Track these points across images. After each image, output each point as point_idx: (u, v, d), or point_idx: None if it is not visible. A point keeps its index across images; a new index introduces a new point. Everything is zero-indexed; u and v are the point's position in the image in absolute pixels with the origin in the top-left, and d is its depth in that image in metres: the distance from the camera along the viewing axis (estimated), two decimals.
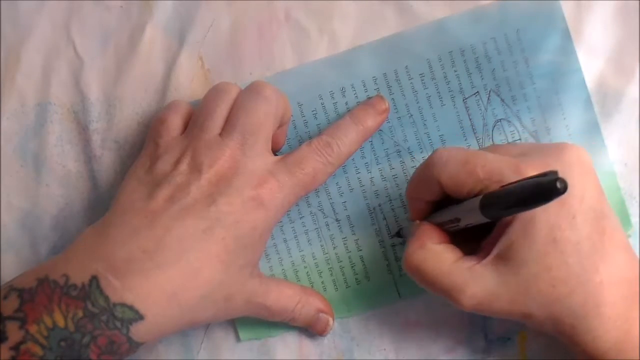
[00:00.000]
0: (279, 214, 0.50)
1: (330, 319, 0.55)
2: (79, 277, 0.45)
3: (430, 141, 0.55)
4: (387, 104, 0.54)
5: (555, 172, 0.40)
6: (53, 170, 0.57)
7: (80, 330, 0.44)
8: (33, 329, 0.44)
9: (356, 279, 0.56)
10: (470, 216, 0.45)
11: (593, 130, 0.54)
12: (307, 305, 0.54)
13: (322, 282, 0.56)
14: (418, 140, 0.55)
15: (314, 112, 0.55)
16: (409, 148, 0.55)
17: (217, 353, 0.56)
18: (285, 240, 0.56)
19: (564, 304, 0.45)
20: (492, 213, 0.43)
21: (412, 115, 0.55)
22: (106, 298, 0.45)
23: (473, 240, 0.48)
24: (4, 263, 0.57)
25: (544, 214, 0.44)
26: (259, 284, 0.51)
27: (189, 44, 0.56)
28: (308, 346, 0.56)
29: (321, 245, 0.56)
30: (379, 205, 0.56)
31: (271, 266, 0.56)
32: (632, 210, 0.54)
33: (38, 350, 0.44)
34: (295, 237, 0.56)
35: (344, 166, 0.55)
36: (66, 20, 0.57)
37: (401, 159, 0.55)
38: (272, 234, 0.56)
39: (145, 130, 0.56)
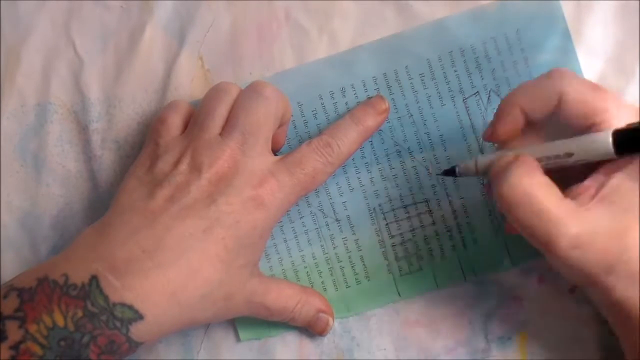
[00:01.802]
0: (279, 213, 0.50)
1: (330, 319, 0.55)
2: (79, 276, 0.45)
3: (430, 141, 0.55)
4: (387, 104, 0.54)
5: None
6: (53, 170, 0.57)
7: (80, 329, 0.44)
8: (33, 328, 0.44)
9: (356, 279, 0.56)
10: (592, 152, 0.42)
11: None
12: (307, 305, 0.54)
13: (322, 282, 0.56)
14: (418, 140, 0.55)
15: (314, 112, 0.55)
16: (409, 148, 0.55)
17: (217, 353, 0.56)
18: (285, 240, 0.56)
19: None
20: (629, 150, 0.41)
21: (412, 115, 0.55)
22: (106, 298, 0.45)
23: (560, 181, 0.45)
24: (4, 263, 0.57)
25: None
26: (258, 283, 0.51)
27: (189, 44, 0.56)
28: (308, 346, 0.56)
29: (321, 245, 0.56)
30: (379, 205, 0.56)
31: (271, 266, 0.56)
32: None
33: (38, 350, 0.44)
34: (295, 237, 0.56)
35: (344, 166, 0.55)
36: (66, 20, 0.57)
37: (401, 159, 0.55)
38: (272, 234, 0.56)
39: (145, 130, 0.56)
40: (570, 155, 0.44)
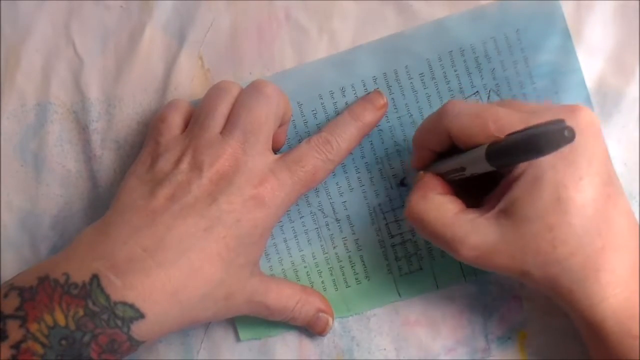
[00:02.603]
0: (279, 212, 0.50)
1: (330, 319, 0.55)
2: (80, 275, 0.45)
3: None
4: (385, 99, 0.54)
5: (562, 121, 0.40)
6: (53, 170, 0.57)
7: (81, 328, 0.44)
8: (34, 327, 0.44)
9: (356, 278, 0.56)
10: (476, 165, 0.45)
11: None
12: (307, 304, 0.54)
13: (322, 282, 0.56)
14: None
15: (314, 111, 0.55)
16: (409, 148, 0.55)
17: (217, 353, 0.56)
18: (285, 240, 0.56)
19: (563, 266, 0.45)
20: (498, 161, 0.43)
21: (412, 115, 0.55)
22: (107, 297, 0.45)
23: (475, 194, 0.49)
24: (4, 263, 0.57)
25: (551, 172, 0.44)
26: (259, 282, 0.52)
27: (189, 44, 0.56)
28: (308, 346, 0.56)
29: (321, 245, 0.56)
30: (379, 205, 0.56)
31: (271, 266, 0.56)
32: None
33: (39, 349, 0.44)
34: (295, 237, 0.56)
35: (344, 165, 0.55)
36: (66, 20, 0.57)
37: (401, 159, 0.55)
38: (272, 233, 0.56)
39: (145, 130, 0.56)
40: (463, 169, 0.46)
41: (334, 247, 0.56)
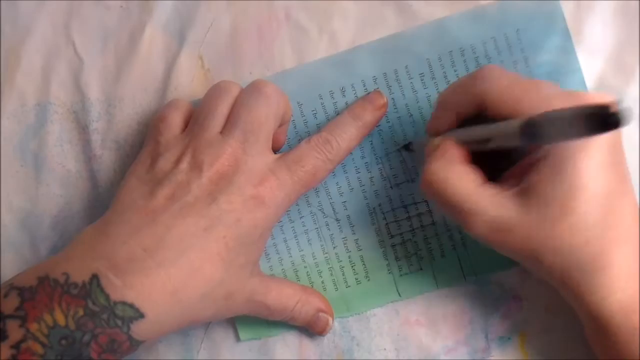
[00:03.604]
0: (279, 212, 0.50)
1: (330, 319, 0.55)
2: (80, 275, 0.45)
3: None
4: (385, 99, 0.54)
5: (607, 106, 0.38)
6: (53, 170, 0.57)
7: (81, 328, 0.44)
8: (33, 327, 0.44)
9: (356, 278, 0.56)
10: (506, 138, 0.44)
11: None
12: (307, 304, 0.54)
13: (322, 282, 0.56)
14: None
15: (314, 111, 0.55)
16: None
17: (217, 353, 0.56)
18: (285, 240, 0.56)
19: (577, 256, 0.45)
20: (533, 138, 0.42)
21: (412, 115, 0.55)
22: (107, 296, 0.45)
23: (491, 166, 0.48)
24: (4, 263, 0.57)
25: (577, 159, 0.44)
26: (259, 282, 0.52)
27: (189, 44, 0.56)
28: (308, 346, 0.56)
29: (321, 245, 0.56)
30: (379, 205, 0.56)
31: (271, 266, 0.56)
32: None
33: (39, 349, 0.44)
34: (295, 237, 0.56)
35: (344, 165, 0.55)
36: (66, 20, 0.57)
37: (401, 159, 0.55)
38: (272, 233, 0.56)
39: (145, 130, 0.56)
40: (487, 140, 0.46)
41: (334, 247, 0.56)
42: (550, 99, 0.44)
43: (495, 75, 0.47)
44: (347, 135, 0.52)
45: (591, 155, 0.44)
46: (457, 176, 0.47)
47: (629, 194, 0.46)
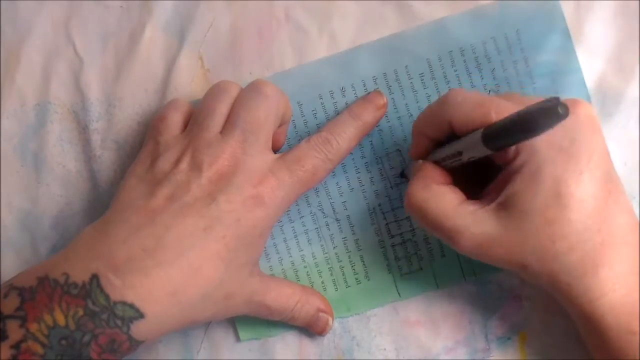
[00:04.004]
0: (279, 211, 0.50)
1: (330, 319, 0.55)
2: (80, 275, 0.45)
3: None
4: (385, 99, 0.54)
5: (557, 99, 0.40)
6: (53, 170, 0.57)
7: (80, 328, 0.44)
8: (33, 327, 0.44)
9: (356, 278, 0.56)
10: (473, 149, 0.45)
11: None
12: (306, 304, 0.54)
13: (322, 282, 0.56)
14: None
15: (314, 111, 0.55)
16: (408, 148, 0.55)
17: (217, 353, 0.56)
18: (285, 240, 0.56)
19: (562, 261, 0.45)
20: (494, 143, 0.43)
21: (412, 115, 0.55)
22: (107, 296, 0.45)
23: (473, 184, 0.49)
24: (4, 263, 0.57)
25: (551, 166, 0.44)
26: (259, 282, 0.52)
27: (189, 44, 0.56)
28: (308, 346, 0.56)
29: (321, 245, 0.56)
30: (379, 205, 0.56)
31: (271, 266, 0.56)
32: None
33: (39, 349, 0.44)
34: (295, 237, 0.56)
35: (344, 165, 0.55)
36: (66, 20, 0.57)
37: (401, 159, 0.55)
38: (272, 233, 0.56)
39: (145, 130, 0.56)
40: (460, 153, 0.46)
41: (334, 247, 0.56)
42: (506, 108, 0.45)
43: (458, 100, 0.47)
44: (347, 135, 0.52)
45: (567, 160, 0.44)
46: (435, 197, 0.48)
47: (619, 194, 0.46)
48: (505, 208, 0.45)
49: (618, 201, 0.46)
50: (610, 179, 0.46)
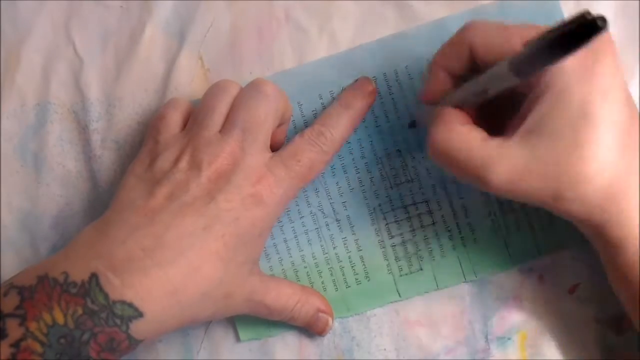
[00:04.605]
0: (278, 209, 0.51)
1: (330, 319, 0.55)
2: (79, 274, 0.45)
3: None
4: (373, 85, 0.54)
5: (588, 12, 0.37)
6: (53, 170, 0.57)
7: (80, 327, 0.44)
8: (33, 326, 0.44)
9: (356, 279, 0.56)
10: (500, 80, 0.43)
11: None
12: (306, 304, 0.54)
13: (322, 282, 0.56)
14: (418, 140, 0.55)
15: (314, 112, 0.55)
16: (408, 148, 0.55)
17: (217, 353, 0.56)
18: (285, 240, 0.56)
19: (596, 185, 0.44)
20: (526, 69, 0.41)
21: (412, 115, 0.55)
22: (106, 295, 0.45)
23: (495, 122, 0.47)
24: (4, 263, 0.57)
25: (577, 86, 0.43)
26: (258, 282, 0.52)
27: (189, 44, 0.56)
28: (308, 346, 0.56)
29: (321, 245, 0.56)
30: (379, 205, 0.56)
31: (271, 266, 0.56)
32: None
33: (38, 348, 0.44)
34: (295, 237, 0.56)
35: (344, 165, 0.55)
36: (66, 20, 0.57)
37: (401, 159, 0.55)
38: (272, 233, 0.56)
39: (145, 130, 0.56)
40: (485, 91, 0.45)
41: (334, 247, 0.56)
42: (529, 32, 0.43)
43: (479, 26, 0.46)
44: (340, 125, 0.52)
45: (592, 79, 0.43)
46: (459, 136, 0.46)
47: (637, 117, 0.45)
48: (534, 133, 0.44)
49: (637, 123, 0.45)
50: (630, 101, 0.45)
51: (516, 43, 0.44)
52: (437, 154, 0.47)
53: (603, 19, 0.36)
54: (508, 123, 0.47)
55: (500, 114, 0.48)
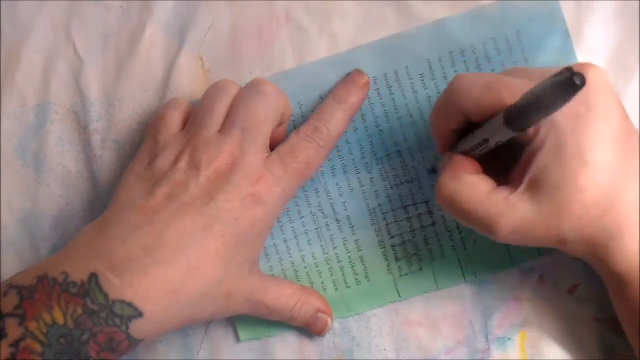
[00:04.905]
0: (278, 208, 0.51)
1: (329, 319, 0.55)
2: (78, 274, 0.45)
3: (430, 141, 0.55)
4: (366, 78, 0.54)
5: (570, 68, 0.39)
6: (53, 170, 0.57)
7: (79, 327, 0.44)
8: (32, 325, 0.44)
9: (356, 279, 0.56)
10: (498, 133, 0.44)
11: None
12: (306, 304, 0.54)
13: (322, 282, 0.56)
14: (418, 140, 0.55)
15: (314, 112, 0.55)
16: (408, 148, 0.55)
17: (217, 353, 0.56)
18: (285, 240, 0.56)
19: (597, 226, 0.45)
20: (518, 124, 0.42)
21: (412, 116, 0.55)
22: (105, 295, 0.45)
23: (504, 169, 0.48)
24: (4, 263, 0.57)
25: (573, 136, 0.44)
26: (258, 281, 0.52)
27: (189, 44, 0.56)
28: (308, 346, 0.56)
29: (321, 245, 0.56)
30: (379, 205, 0.56)
31: (271, 266, 0.56)
32: None
33: (37, 347, 0.44)
34: (295, 237, 0.56)
35: (343, 166, 0.55)
36: (66, 20, 0.57)
37: (401, 159, 0.55)
38: (272, 234, 0.56)
39: (145, 130, 0.56)
40: (487, 140, 0.46)
41: (334, 247, 0.56)
42: (517, 87, 0.44)
43: (465, 86, 0.47)
44: (335, 119, 0.52)
45: (586, 127, 0.44)
46: (466, 186, 0.47)
47: (635, 152, 0.46)
48: (536, 187, 0.45)
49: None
50: (631, 135, 0.46)
51: (504, 97, 0.45)
52: (445, 203, 0.48)
53: (580, 76, 0.37)
54: (512, 172, 0.48)
55: (509, 160, 0.48)
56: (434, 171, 0.56)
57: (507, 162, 0.48)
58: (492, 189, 0.47)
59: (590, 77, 0.44)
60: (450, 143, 0.51)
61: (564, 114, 0.42)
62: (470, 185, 0.47)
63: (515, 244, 0.47)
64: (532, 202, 0.45)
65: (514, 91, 0.44)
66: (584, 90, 0.39)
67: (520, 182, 0.46)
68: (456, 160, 0.49)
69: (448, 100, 0.48)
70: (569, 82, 0.37)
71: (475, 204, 0.46)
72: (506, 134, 0.44)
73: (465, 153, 0.49)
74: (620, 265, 0.46)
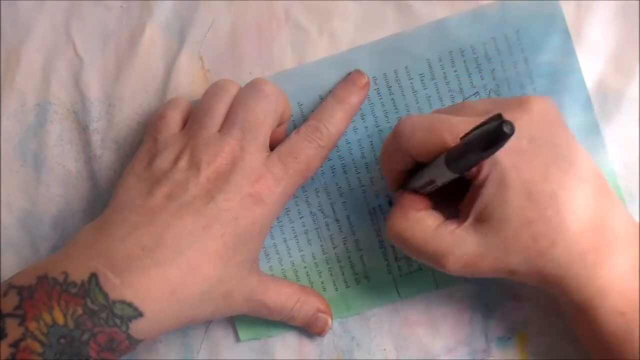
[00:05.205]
0: (278, 208, 0.51)
1: (329, 319, 0.55)
2: (78, 274, 0.45)
3: None
4: (367, 78, 0.54)
5: (500, 117, 0.40)
6: (53, 170, 0.57)
7: (79, 327, 0.44)
8: (32, 326, 0.44)
9: (356, 279, 0.56)
10: (442, 175, 0.45)
11: (593, 130, 0.54)
12: (306, 304, 0.54)
13: (322, 282, 0.56)
14: None
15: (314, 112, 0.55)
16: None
17: (217, 353, 0.56)
18: (285, 240, 0.56)
19: (547, 257, 0.45)
20: (456, 167, 0.43)
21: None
22: (105, 295, 0.45)
23: (454, 203, 0.49)
24: (4, 263, 0.57)
25: (515, 170, 0.44)
26: (258, 281, 0.52)
27: (189, 44, 0.56)
28: (308, 346, 0.56)
29: (321, 245, 0.56)
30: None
31: (271, 266, 0.56)
32: (633, 210, 0.54)
33: (37, 348, 0.44)
34: (295, 237, 0.56)
35: (344, 165, 0.55)
36: (66, 20, 0.57)
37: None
38: (272, 234, 0.56)
39: (145, 130, 0.56)
40: (434, 181, 0.47)
41: (334, 247, 0.56)
42: (458, 128, 0.45)
43: (409, 130, 0.47)
44: (335, 119, 0.52)
45: (530, 161, 0.44)
46: (414, 224, 0.48)
47: (597, 178, 0.46)
48: (482, 221, 0.45)
49: (584, 186, 0.46)
50: (576, 163, 0.46)
51: (446, 138, 0.45)
52: (395, 240, 0.49)
53: (509, 124, 0.38)
54: (460, 206, 0.48)
55: (459, 193, 0.49)
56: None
57: (457, 195, 0.49)
58: (439, 224, 0.47)
59: (530, 109, 0.45)
60: (400, 182, 0.51)
61: (505, 150, 0.42)
62: (418, 222, 0.48)
63: (469, 277, 0.48)
64: (478, 235, 0.46)
65: (456, 132, 0.44)
66: (525, 124, 0.41)
67: (468, 216, 0.46)
68: (403, 198, 0.50)
69: (394, 144, 0.48)
70: (498, 131, 0.38)
71: (423, 240, 0.47)
72: (449, 175, 0.44)
73: (416, 190, 0.49)
74: (574, 297, 0.46)
